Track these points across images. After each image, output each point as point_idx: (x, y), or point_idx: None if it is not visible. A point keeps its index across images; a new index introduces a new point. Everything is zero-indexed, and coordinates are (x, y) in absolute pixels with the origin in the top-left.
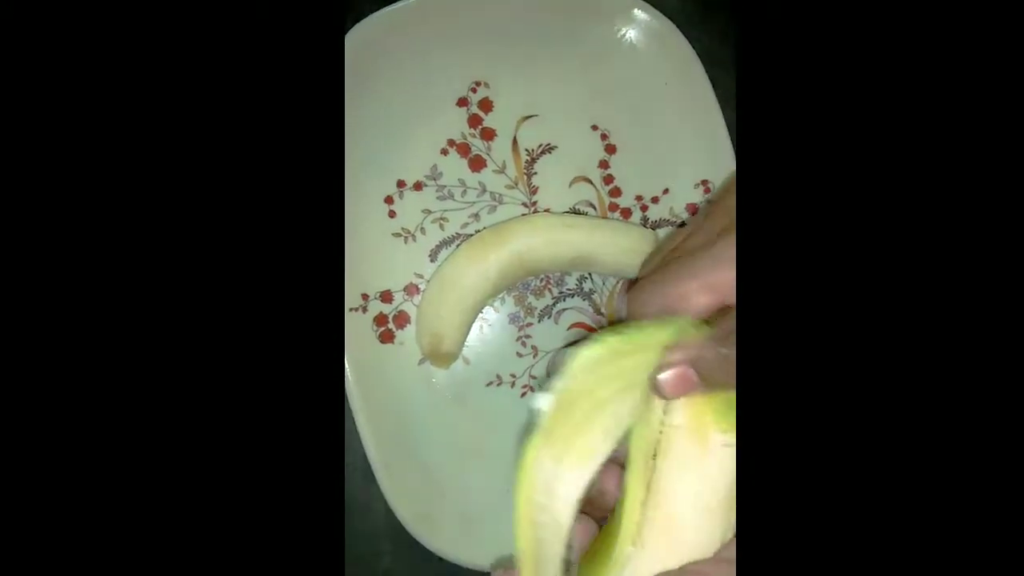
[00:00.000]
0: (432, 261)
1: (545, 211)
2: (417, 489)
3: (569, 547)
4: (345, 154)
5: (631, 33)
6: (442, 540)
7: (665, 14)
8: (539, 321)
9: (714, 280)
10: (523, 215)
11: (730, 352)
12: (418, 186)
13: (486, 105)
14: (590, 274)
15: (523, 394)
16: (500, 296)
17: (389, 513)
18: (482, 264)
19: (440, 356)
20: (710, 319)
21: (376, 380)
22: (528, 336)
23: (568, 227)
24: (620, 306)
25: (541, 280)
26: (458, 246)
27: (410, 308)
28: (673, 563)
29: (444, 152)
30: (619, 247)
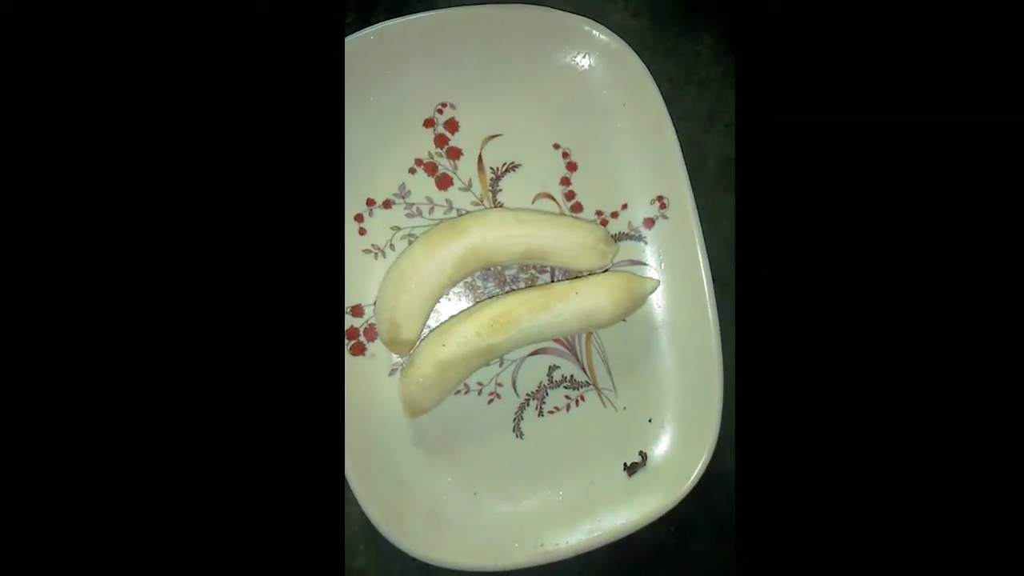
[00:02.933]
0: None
1: (499, 206)
2: (388, 493)
3: None
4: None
5: (590, 56)
6: (412, 541)
7: (620, 34)
8: None
9: None
10: (479, 210)
11: None
12: (387, 204)
13: (452, 125)
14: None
15: (490, 401)
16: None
17: (362, 515)
18: (438, 255)
19: (398, 343)
20: None
21: (348, 390)
22: None
23: (521, 222)
24: None
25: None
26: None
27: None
28: None
29: (412, 171)
30: (568, 241)
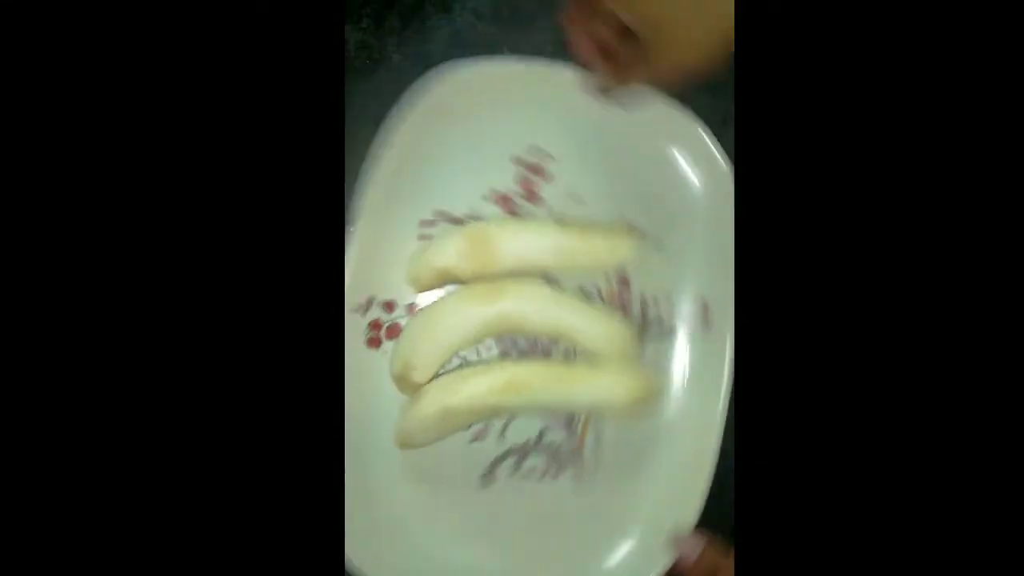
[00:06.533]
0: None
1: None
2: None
3: None
4: (394, 168)
5: (680, 150)
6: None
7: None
8: None
9: None
10: (518, 278)
11: None
12: (456, 221)
13: (540, 172)
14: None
15: (473, 439)
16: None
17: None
18: (469, 312)
19: (407, 383)
20: None
21: (354, 379)
22: None
23: (556, 302)
24: None
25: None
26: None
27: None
28: None
29: (485, 198)
30: (594, 333)
